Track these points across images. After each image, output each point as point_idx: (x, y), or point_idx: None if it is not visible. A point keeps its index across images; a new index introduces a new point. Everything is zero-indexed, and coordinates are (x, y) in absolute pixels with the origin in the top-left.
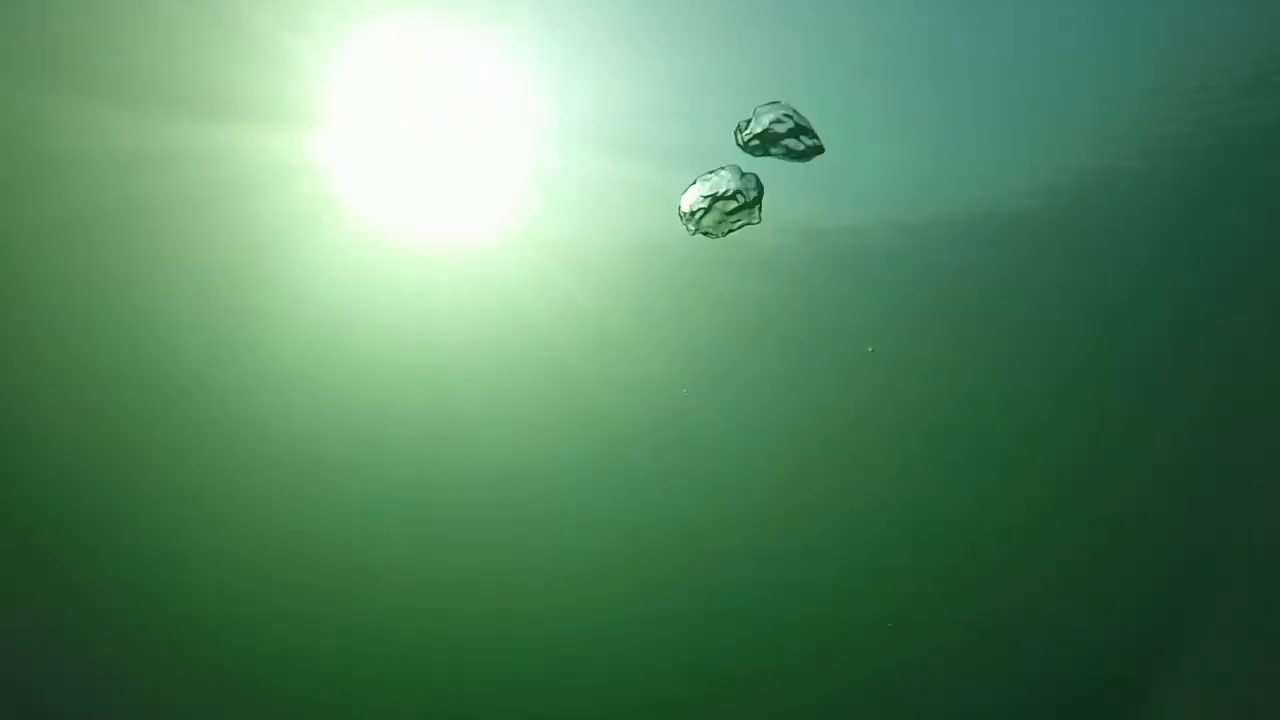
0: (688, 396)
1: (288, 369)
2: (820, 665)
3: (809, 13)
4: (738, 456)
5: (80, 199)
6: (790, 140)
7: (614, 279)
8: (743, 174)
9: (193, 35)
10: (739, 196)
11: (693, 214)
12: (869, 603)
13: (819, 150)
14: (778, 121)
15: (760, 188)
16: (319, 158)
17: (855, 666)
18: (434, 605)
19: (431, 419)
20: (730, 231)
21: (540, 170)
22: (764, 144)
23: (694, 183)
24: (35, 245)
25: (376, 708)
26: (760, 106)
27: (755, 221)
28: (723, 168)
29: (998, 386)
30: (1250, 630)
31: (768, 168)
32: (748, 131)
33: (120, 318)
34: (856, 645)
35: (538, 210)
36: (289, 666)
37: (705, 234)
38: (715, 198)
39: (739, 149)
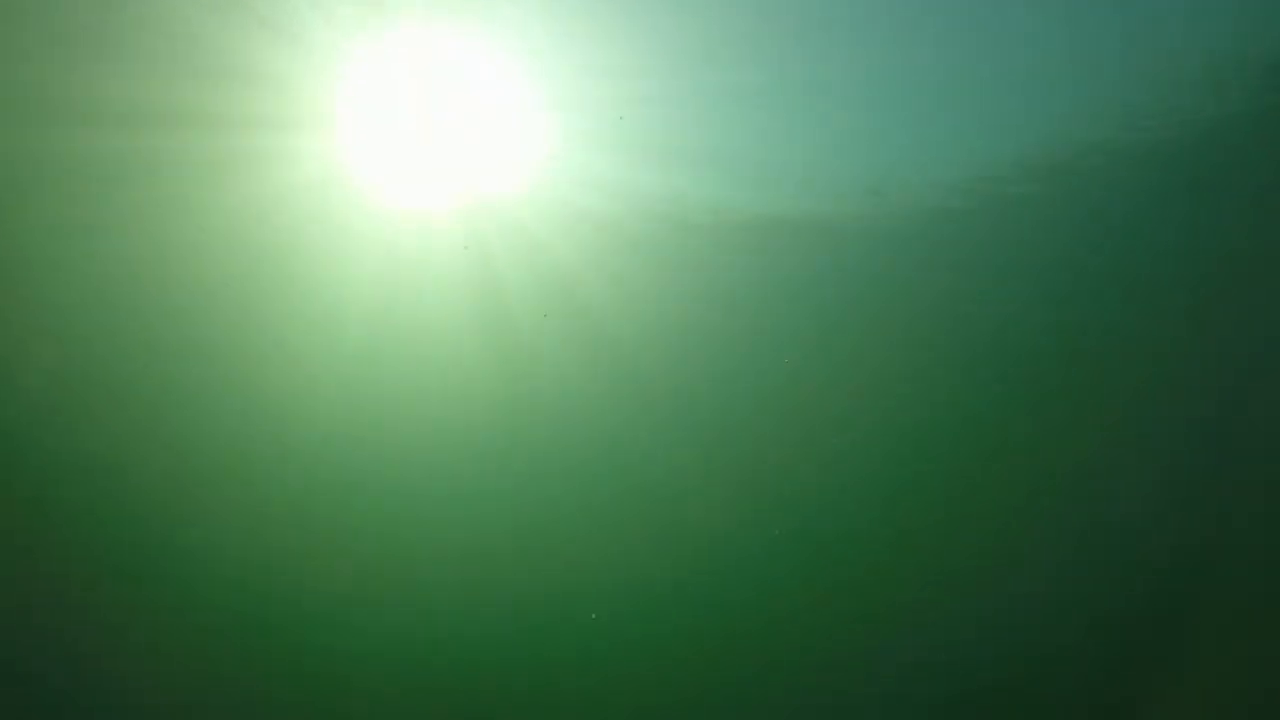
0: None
1: (291, 360)
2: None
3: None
4: (718, 432)
5: (90, 194)
6: None
7: (615, 268)
8: None
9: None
10: None
11: None
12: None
13: None
14: None
15: None
16: (325, 154)
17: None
18: (436, 586)
19: (433, 401)
20: None
21: (541, 164)
22: None
23: None
24: (49, 249)
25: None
26: None
27: None
28: None
29: (980, 381)
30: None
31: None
32: None
33: (127, 312)
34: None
35: (539, 200)
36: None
37: None
38: None
39: None
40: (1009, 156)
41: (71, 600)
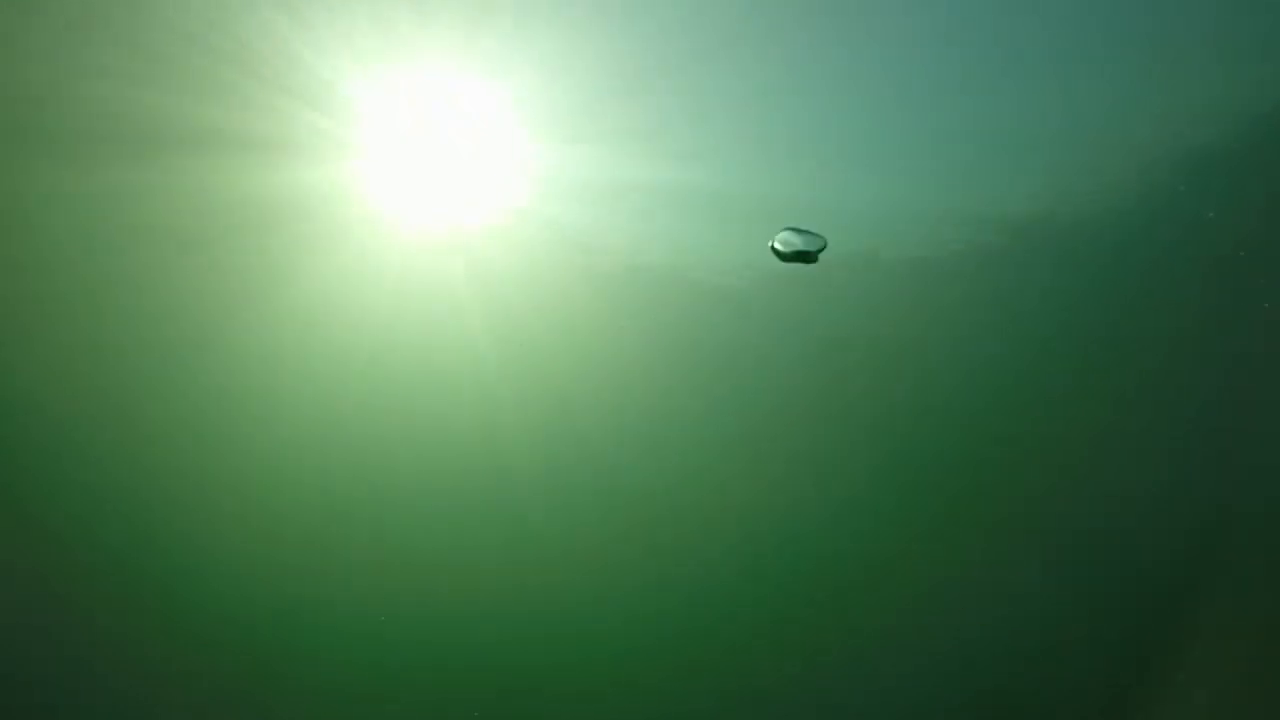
0: None
1: (304, 370)
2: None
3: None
4: (711, 456)
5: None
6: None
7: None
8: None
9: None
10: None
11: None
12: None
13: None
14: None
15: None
16: (341, 177)
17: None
18: (437, 595)
19: (443, 413)
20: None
21: (546, 178)
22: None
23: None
24: (71, 265)
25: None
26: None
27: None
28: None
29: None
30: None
31: None
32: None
33: (149, 329)
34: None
35: (546, 215)
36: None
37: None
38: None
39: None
40: (990, 208)
41: (77, 605)
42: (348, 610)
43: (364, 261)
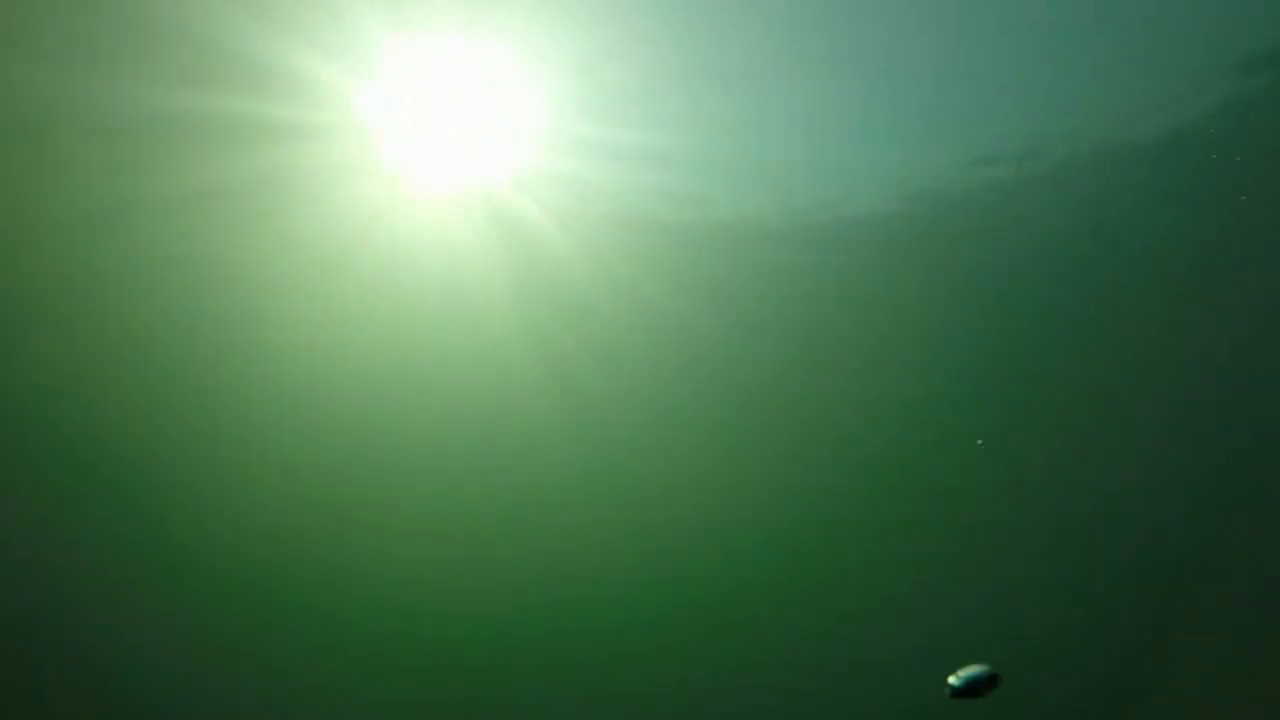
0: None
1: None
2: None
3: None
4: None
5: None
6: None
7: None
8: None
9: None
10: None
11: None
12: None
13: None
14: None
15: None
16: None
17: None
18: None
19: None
20: None
21: (549, 172)
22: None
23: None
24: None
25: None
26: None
27: None
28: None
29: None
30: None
31: None
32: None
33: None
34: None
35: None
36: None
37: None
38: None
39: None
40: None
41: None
42: (362, 602)
43: (387, 224)
